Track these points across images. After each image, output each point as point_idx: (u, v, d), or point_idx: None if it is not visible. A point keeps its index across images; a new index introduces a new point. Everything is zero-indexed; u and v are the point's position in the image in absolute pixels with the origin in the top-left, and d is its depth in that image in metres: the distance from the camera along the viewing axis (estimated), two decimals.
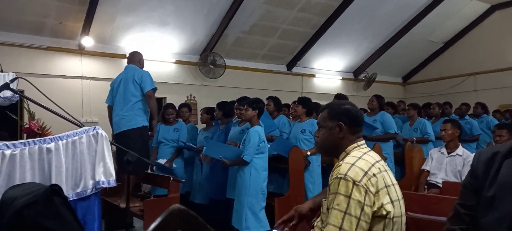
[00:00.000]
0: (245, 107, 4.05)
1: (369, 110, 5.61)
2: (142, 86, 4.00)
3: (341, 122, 1.79)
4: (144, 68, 4.26)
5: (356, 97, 10.08)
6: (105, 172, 2.59)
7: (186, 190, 5.15)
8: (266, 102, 5.14)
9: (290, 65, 9.34)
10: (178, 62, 8.01)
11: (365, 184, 1.60)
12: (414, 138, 5.56)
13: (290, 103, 5.71)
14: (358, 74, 10.45)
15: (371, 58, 10.09)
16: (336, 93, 5.56)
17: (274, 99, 5.28)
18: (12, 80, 2.50)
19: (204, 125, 5.45)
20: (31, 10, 6.19)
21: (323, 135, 1.85)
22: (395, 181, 1.74)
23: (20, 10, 6.14)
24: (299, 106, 4.65)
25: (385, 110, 5.52)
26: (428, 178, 4.21)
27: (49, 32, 6.63)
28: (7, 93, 2.88)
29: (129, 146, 3.33)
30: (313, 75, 9.77)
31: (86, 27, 6.63)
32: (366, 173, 1.63)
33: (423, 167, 4.33)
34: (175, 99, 7.54)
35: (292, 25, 8.20)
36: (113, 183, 2.64)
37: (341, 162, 1.69)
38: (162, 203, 3.65)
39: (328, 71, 9.97)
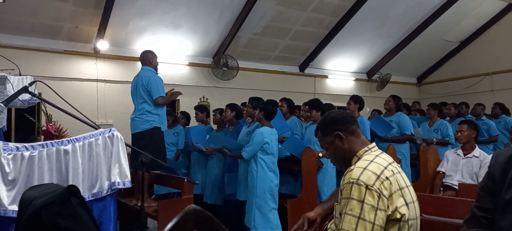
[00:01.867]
0: (247, 106, 4.12)
1: (384, 111, 5.56)
2: (149, 92, 4.03)
3: (336, 131, 1.79)
4: (158, 71, 4.29)
5: (370, 98, 9.99)
6: (120, 173, 2.64)
7: (199, 191, 5.19)
8: (279, 104, 5.15)
9: (303, 66, 9.32)
10: (191, 64, 8.07)
11: (378, 188, 1.59)
12: (434, 140, 5.47)
13: (301, 105, 5.70)
14: (371, 75, 10.36)
15: (385, 58, 9.99)
16: (349, 94, 5.52)
17: (287, 101, 5.30)
18: (31, 84, 2.56)
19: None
20: (47, 15, 6.34)
21: (331, 153, 1.86)
22: (409, 183, 1.73)
23: (37, 15, 6.29)
24: (313, 111, 4.63)
25: (402, 111, 5.46)
26: (444, 180, 4.15)
27: (65, 36, 6.78)
28: (26, 96, 2.95)
29: (142, 147, 3.38)
30: (326, 76, 9.72)
31: (101, 31, 6.75)
32: (378, 176, 1.62)
33: (438, 169, 4.27)
34: (188, 101, 7.62)
35: (304, 26, 8.18)
36: (128, 184, 2.69)
37: (353, 166, 1.69)
38: (176, 204, 3.69)
39: (341, 72, 9.91)
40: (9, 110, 6.05)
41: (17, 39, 6.39)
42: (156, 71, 4.26)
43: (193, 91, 8.05)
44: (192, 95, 7.94)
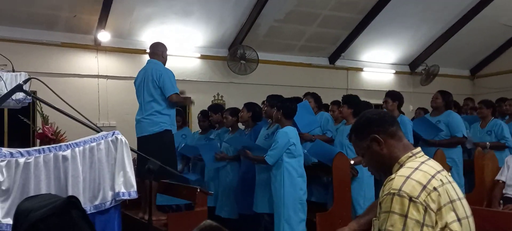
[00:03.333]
0: (265, 104, 4.15)
1: (431, 110, 5.47)
2: (162, 89, 4.07)
3: (372, 134, 1.78)
4: (166, 65, 4.35)
5: (413, 95, 9.83)
6: (125, 182, 2.69)
7: (211, 203, 5.22)
8: (304, 99, 5.14)
9: (333, 57, 9.25)
10: (203, 57, 8.14)
11: (424, 200, 1.56)
12: (488, 143, 5.34)
13: (329, 104, 5.67)
14: (415, 67, 10.19)
15: (431, 47, 9.80)
16: (388, 90, 5.45)
17: (313, 96, 5.26)
18: (26, 81, 2.64)
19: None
20: (42, 3, 6.51)
21: (367, 160, 1.85)
22: (462, 195, 1.70)
23: (30, 3, 6.47)
24: (344, 106, 4.62)
25: (452, 109, 5.35)
26: (504, 191, 4.06)
27: (62, 27, 6.95)
28: (19, 95, 3.06)
29: (150, 153, 3.41)
30: (361, 69, 9.63)
31: (103, 20, 6.89)
32: (425, 186, 1.59)
33: (497, 178, 4.19)
34: (201, 99, 7.66)
35: (335, 10, 8.12)
36: (134, 195, 2.74)
37: (394, 175, 1.67)
38: (188, 217, 3.73)
39: (378, 64, 9.79)
40: (1, 111, 6.28)
41: (10, 31, 6.59)
42: (165, 64, 4.30)
43: (206, 88, 8.11)
44: (204, 93, 8.00)
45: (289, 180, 3.97)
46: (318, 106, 5.24)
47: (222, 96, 8.31)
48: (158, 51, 4.31)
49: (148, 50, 4.54)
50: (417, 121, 5.38)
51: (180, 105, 5.32)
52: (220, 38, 8.08)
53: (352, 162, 4.32)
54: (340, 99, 5.18)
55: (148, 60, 4.33)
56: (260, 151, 4.24)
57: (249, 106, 5.14)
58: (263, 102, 5.33)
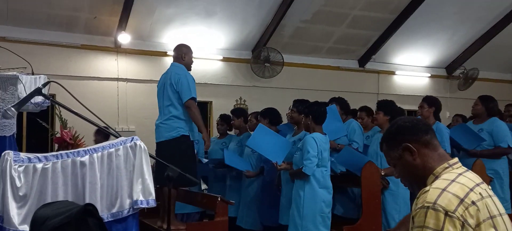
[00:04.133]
0: (291, 110, 4.15)
1: (470, 116, 5.33)
2: (179, 93, 4.11)
3: (405, 143, 1.74)
4: (191, 69, 4.39)
5: (450, 100, 9.64)
6: (143, 189, 2.72)
7: (232, 213, 5.22)
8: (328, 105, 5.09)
9: (363, 60, 9.17)
10: (226, 59, 8.20)
11: (462, 215, 1.53)
12: None
13: (357, 110, 5.58)
14: (452, 70, 9.98)
15: (470, 49, 9.59)
16: (422, 95, 5.35)
17: (339, 101, 5.18)
18: (45, 85, 2.71)
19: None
20: (62, 4, 6.71)
21: (400, 170, 1.82)
22: (503, 210, 1.65)
23: (50, 4, 6.67)
24: (379, 113, 4.53)
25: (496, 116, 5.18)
26: None
27: (82, 28, 7.13)
28: (38, 99, 3.14)
29: (168, 159, 3.44)
30: (393, 73, 9.52)
31: (123, 22, 7.03)
32: (462, 200, 1.55)
33: None
34: (222, 103, 7.73)
35: (365, 10, 8.05)
36: (152, 203, 2.77)
37: (428, 187, 1.63)
38: (208, 228, 3.75)
39: (412, 67, 9.65)
40: (20, 115, 6.48)
41: (29, 33, 6.82)
42: (189, 69, 4.34)
43: (228, 92, 8.16)
44: (226, 97, 8.05)
45: (310, 191, 3.93)
46: (345, 112, 5.14)
47: (244, 101, 8.34)
48: (178, 53, 4.36)
49: (169, 53, 4.60)
50: (457, 129, 5.24)
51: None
52: (244, 40, 8.12)
53: (382, 172, 4.25)
54: (370, 105, 5.11)
55: (171, 64, 4.39)
56: (285, 146, 4.24)
57: (267, 113, 5.23)
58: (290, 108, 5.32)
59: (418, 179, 1.76)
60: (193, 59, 4.45)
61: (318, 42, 8.56)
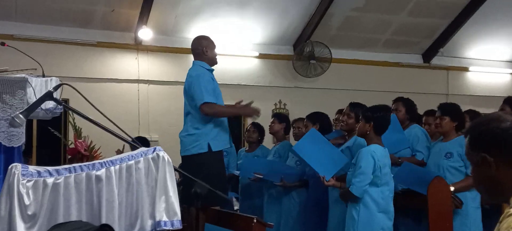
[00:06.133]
0: (346, 114, 4.18)
1: None
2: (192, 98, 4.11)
3: (484, 154, 1.67)
4: (218, 66, 4.40)
5: None
6: (167, 208, 2.74)
7: None
8: (392, 107, 5.00)
9: (429, 54, 9.05)
10: (262, 56, 8.22)
11: None
12: None
13: (423, 115, 5.45)
14: None
15: None
16: (503, 95, 5.18)
17: (405, 103, 5.07)
18: (56, 88, 2.79)
19: None
20: None
21: (473, 174, 1.77)
22: None
23: None
24: (445, 117, 4.41)
25: None
26: None
27: (98, 24, 7.32)
28: (49, 104, 3.22)
29: (194, 174, 3.45)
30: (466, 69, 9.36)
31: (144, 15, 7.17)
32: None
33: None
34: (259, 107, 7.70)
35: None
36: (177, 225, 2.77)
37: None
38: None
39: (489, 61, 9.47)
40: (30, 123, 6.69)
41: (40, 29, 7.06)
42: (213, 64, 4.31)
43: (265, 94, 8.15)
44: (263, 100, 8.02)
45: (367, 216, 3.83)
46: (410, 117, 5.02)
47: (284, 104, 8.32)
48: (198, 47, 4.30)
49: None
50: None
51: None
52: (283, 33, 8.12)
53: (452, 188, 4.13)
54: (436, 108, 4.97)
55: (192, 63, 4.40)
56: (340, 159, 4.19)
57: (315, 117, 5.12)
58: (338, 112, 5.25)
59: (495, 192, 1.71)
60: (217, 55, 4.40)
61: (372, 34, 8.47)
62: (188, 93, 4.14)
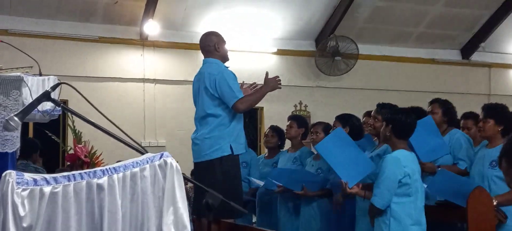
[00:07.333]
0: (373, 117, 4.19)
1: None
2: (221, 98, 4.15)
3: None
4: (231, 63, 4.42)
5: None
6: (176, 221, 2.73)
7: None
8: (428, 109, 4.97)
9: (468, 49, 9.03)
10: (281, 52, 8.21)
11: None
12: None
13: (461, 118, 5.40)
14: None
15: None
16: None
17: (443, 105, 5.03)
18: (54, 87, 2.79)
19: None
20: None
21: None
22: None
23: None
24: (489, 120, 4.36)
25: None
26: None
27: (100, 17, 7.38)
28: (47, 105, 3.23)
29: (208, 183, 3.46)
30: (510, 66, 9.35)
31: (150, 8, 7.20)
32: None
33: None
34: (277, 109, 7.71)
35: None
36: None
37: None
38: None
39: None
40: (25, 126, 6.77)
41: (37, 24, 7.14)
42: (225, 60, 4.37)
43: (284, 95, 8.09)
44: (282, 101, 8.03)
45: (398, 228, 3.82)
46: (448, 120, 4.97)
47: (305, 106, 8.31)
48: (209, 44, 4.38)
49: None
50: None
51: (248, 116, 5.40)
52: (304, 27, 8.11)
53: (495, 201, 4.08)
54: (476, 110, 4.91)
55: (203, 61, 4.43)
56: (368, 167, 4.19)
57: (344, 118, 5.09)
58: (366, 114, 5.22)
59: None
60: (229, 51, 4.48)
61: (404, 27, 8.45)
62: (210, 93, 4.17)
